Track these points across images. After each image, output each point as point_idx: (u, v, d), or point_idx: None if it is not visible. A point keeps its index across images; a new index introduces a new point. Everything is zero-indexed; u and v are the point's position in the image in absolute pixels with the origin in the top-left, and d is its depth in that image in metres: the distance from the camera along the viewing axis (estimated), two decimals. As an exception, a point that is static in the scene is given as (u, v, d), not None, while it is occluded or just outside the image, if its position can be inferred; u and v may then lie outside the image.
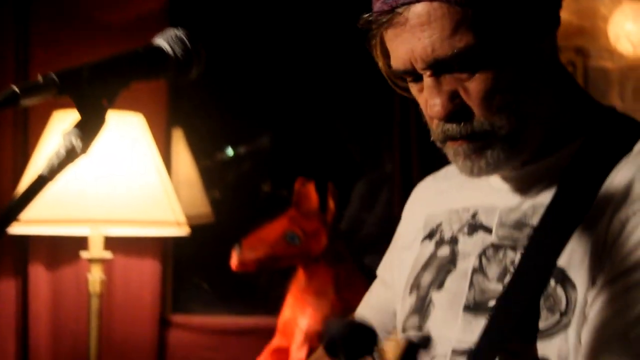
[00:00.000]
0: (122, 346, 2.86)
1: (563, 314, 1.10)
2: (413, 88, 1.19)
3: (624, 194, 1.11)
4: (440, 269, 1.25)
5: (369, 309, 1.43)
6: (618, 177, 1.13)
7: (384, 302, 1.39)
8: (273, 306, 2.81)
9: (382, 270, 1.44)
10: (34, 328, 2.82)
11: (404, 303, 1.29)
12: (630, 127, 1.20)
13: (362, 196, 3.03)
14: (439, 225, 1.31)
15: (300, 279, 2.52)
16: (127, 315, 2.87)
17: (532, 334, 1.11)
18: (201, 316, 2.99)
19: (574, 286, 1.10)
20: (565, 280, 1.10)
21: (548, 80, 1.18)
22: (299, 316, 2.50)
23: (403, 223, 1.43)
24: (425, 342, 0.87)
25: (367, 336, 0.87)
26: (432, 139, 1.20)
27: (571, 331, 1.09)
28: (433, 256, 1.28)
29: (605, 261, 1.09)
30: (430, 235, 1.32)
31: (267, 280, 3.10)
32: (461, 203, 1.28)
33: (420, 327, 1.23)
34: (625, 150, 1.15)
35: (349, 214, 3.00)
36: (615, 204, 1.11)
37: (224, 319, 2.99)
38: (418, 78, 1.16)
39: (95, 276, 2.55)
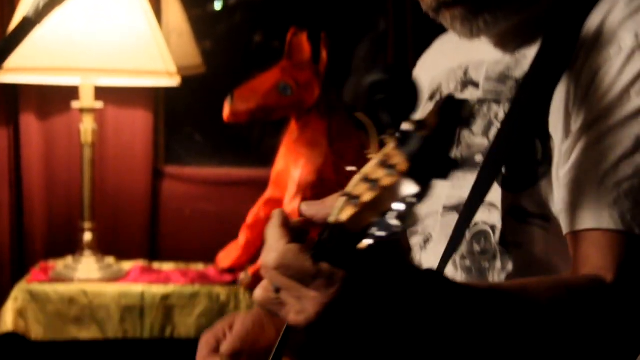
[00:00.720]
0: (116, 196, 2.88)
1: (539, 164, 1.10)
2: None
3: (596, 38, 1.09)
4: None
5: None
6: (593, 20, 1.11)
7: None
8: (266, 158, 2.82)
9: None
10: (27, 177, 2.84)
11: None
12: None
13: (363, 59, 2.97)
14: (439, 86, 1.30)
15: (293, 130, 2.52)
16: (120, 166, 2.88)
17: (514, 185, 1.11)
18: (194, 167, 3.00)
19: (549, 136, 1.10)
20: (541, 131, 1.10)
21: None
22: (292, 167, 2.51)
23: None
24: (468, 106, 0.72)
25: (412, 90, 0.72)
26: (424, 10, 1.18)
27: (546, 181, 1.09)
28: None
29: (579, 109, 1.08)
30: (431, 97, 1.32)
31: (260, 131, 3.10)
32: (457, 61, 1.28)
33: None
34: None
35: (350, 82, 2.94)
36: (587, 49, 1.09)
37: (216, 170, 3.00)
38: None
39: (87, 126, 2.54)
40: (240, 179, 2.95)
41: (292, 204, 2.49)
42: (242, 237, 2.64)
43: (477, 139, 1.17)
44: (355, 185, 0.77)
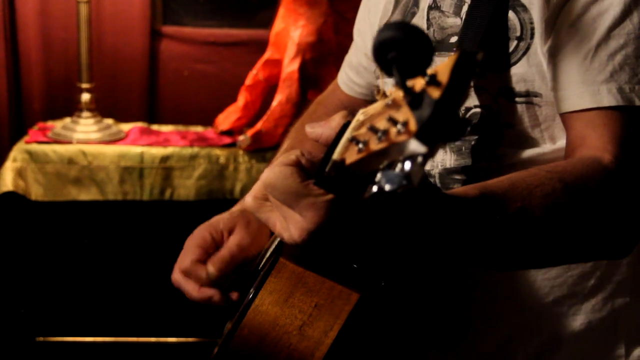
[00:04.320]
0: (114, 57, 2.84)
1: (520, 39, 1.04)
2: None
3: None
4: (406, 12, 1.19)
5: (350, 70, 1.38)
6: None
7: (364, 58, 1.33)
8: (265, 18, 2.76)
9: (358, 23, 1.36)
10: (23, 36, 2.79)
11: None
12: None
13: None
14: None
15: (293, -12, 2.45)
16: (117, 26, 2.83)
17: (497, 64, 1.06)
18: (192, 28, 2.94)
19: (524, 8, 1.03)
20: (515, 4, 1.04)
21: None
22: (291, 28, 2.46)
23: None
24: (480, 56, 0.70)
25: (425, 46, 0.70)
26: None
27: (532, 55, 1.03)
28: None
29: None
30: None
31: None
32: None
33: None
34: None
35: None
36: None
37: (215, 31, 2.94)
38: None
39: (81, -18, 2.48)
40: (239, 39, 2.90)
41: (291, 65, 2.45)
42: (241, 98, 2.61)
43: (449, 20, 1.11)
44: (360, 130, 0.77)
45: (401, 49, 0.70)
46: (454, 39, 1.10)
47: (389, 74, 0.71)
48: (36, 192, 2.49)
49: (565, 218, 0.92)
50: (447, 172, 1.12)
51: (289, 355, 0.93)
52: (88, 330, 2.60)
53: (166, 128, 2.72)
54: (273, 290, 0.94)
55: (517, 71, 1.04)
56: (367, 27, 1.31)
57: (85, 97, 2.58)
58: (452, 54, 1.07)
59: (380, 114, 0.75)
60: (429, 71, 0.70)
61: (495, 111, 1.07)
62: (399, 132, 0.69)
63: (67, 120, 2.61)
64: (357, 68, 1.35)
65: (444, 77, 0.69)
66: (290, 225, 0.82)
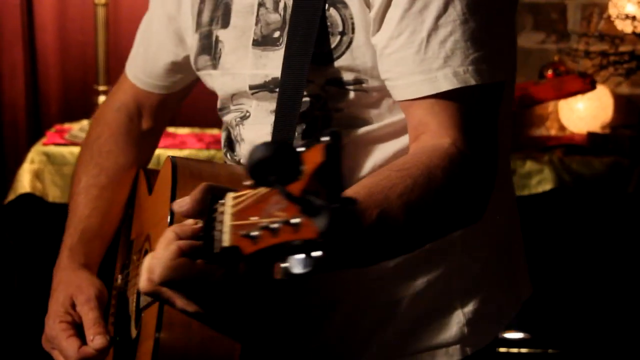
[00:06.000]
0: (131, 59, 2.85)
1: (342, 34, 1.09)
2: None
3: None
4: (218, 3, 1.19)
5: (139, 65, 1.45)
6: None
7: (158, 52, 1.39)
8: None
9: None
10: (41, 39, 2.80)
11: (191, 42, 1.25)
12: None
13: None
14: None
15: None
16: (135, 28, 2.80)
17: (322, 58, 1.10)
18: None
19: (345, 4, 1.08)
20: (335, 1, 1.08)
21: None
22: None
23: None
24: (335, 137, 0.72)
25: (294, 156, 0.73)
26: None
27: (355, 48, 1.08)
28: None
29: None
30: None
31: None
32: None
33: (214, 66, 1.20)
34: None
35: None
36: None
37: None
38: None
39: (99, -15, 2.49)
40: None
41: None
42: (258, 102, 2.61)
43: (272, 16, 1.15)
44: (245, 221, 0.80)
45: (278, 170, 0.72)
46: (277, 34, 1.14)
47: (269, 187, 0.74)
48: (53, 194, 2.50)
49: (422, 210, 0.97)
50: None
51: None
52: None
53: (182, 130, 2.72)
54: (172, 335, 0.98)
55: (343, 63, 1.09)
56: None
57: (102, 99, 2.59)
58: (278, 48, 1.13)
59: (262, 207, 0.78)
60: (303, 167, 0.72)
61: (324, 98, 1.12)
62: (295, 231, 0.72)
63: (84, 122, 2.62)
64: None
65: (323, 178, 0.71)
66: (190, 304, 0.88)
